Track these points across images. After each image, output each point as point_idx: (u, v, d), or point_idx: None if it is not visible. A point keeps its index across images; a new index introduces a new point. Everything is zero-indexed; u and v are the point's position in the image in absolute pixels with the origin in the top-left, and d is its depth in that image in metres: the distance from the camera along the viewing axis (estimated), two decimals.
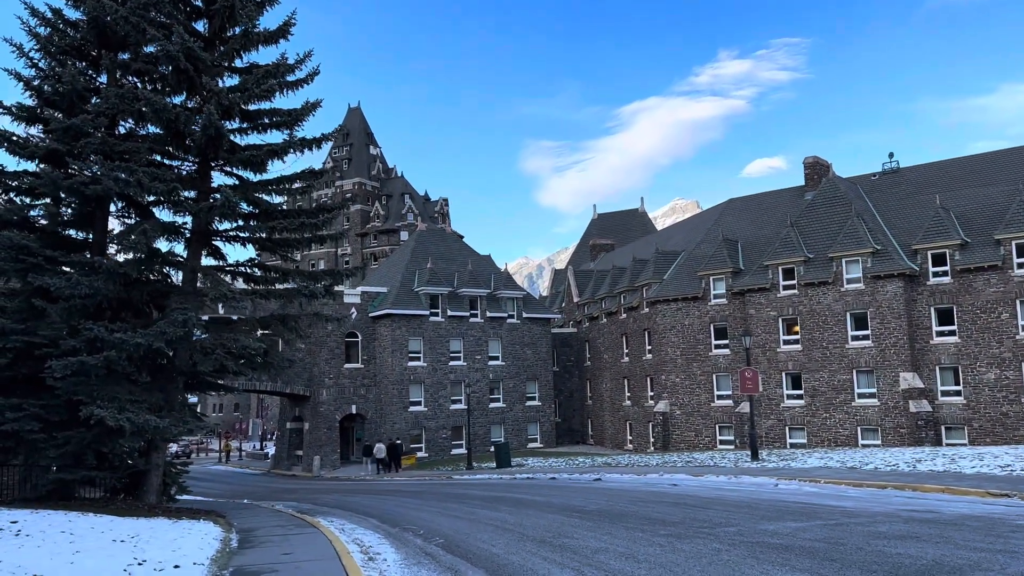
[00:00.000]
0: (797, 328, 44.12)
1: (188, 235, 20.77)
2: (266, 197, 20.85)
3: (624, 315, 55.31)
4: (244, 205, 20.93)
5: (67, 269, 19.16)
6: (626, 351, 55.05)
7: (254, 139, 21.07)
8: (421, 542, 13.51)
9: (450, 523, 16.03)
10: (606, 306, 58.17)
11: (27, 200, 20.42)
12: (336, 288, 22.00)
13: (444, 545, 12.90)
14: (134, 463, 19.07)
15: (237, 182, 20.64)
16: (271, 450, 67.65)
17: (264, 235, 20.47)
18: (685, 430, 48.85)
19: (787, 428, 44.14)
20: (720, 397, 47.83)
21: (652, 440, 50.68)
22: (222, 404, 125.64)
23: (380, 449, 45.12)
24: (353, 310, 52.91)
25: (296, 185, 20.31)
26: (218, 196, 18.44)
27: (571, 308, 65.84)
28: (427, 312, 53.36)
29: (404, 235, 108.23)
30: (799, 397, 43.84)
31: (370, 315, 53.23)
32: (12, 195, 20.25)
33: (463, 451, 52.55)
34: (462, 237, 70.12)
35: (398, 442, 46.94)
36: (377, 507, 21.49)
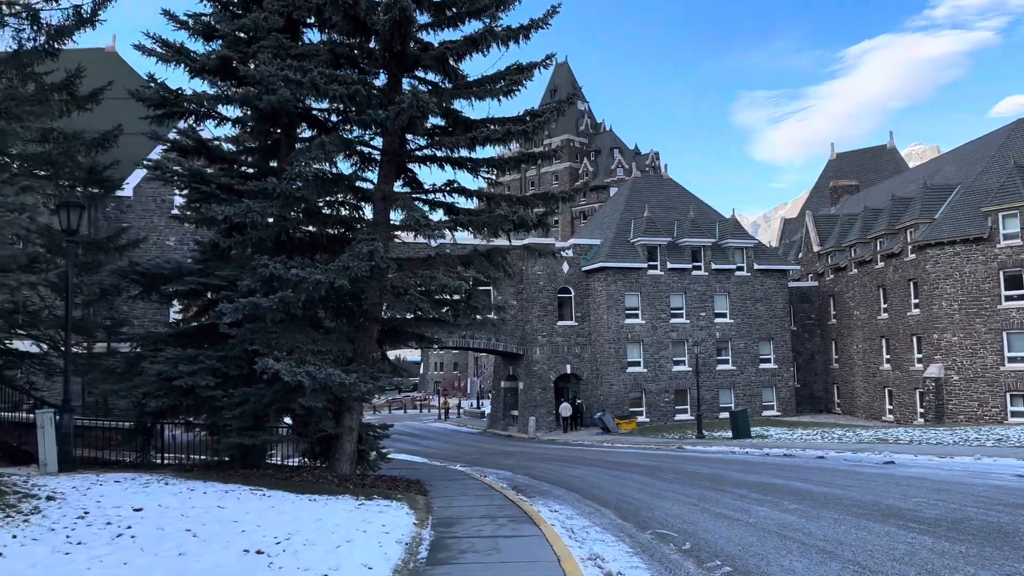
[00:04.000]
0: None
1: (378, 158, 17.43)
2: (464, 108, 16.99)
3: (881, 263, 46.88)
4: (439, 119, 17.19)
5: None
6: (884, 306, 46.70)
7: (448, 36, 17.09)
8: (694, 568, 8.92)
9: (722, 528, 11.30)
10: (856, 254, 49.82)
11: (205, 125, 18.02)
12: (549, 218, 17.76)
13: None
14: (323, 426, 16.16)
15: (429, 89, 16.92)
16: (487, 408, 66.47)
17: (464, 151, 16.62)
18: (964, 399, 40.24)
19: None
20: (1012, 360, 38.79)
21: (921, 411, 42.49)
22: (442, 363, 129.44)
23: (565, 408, 46.31)
24: (565, 263, 49.13)
25: (500, 84, 16.17)
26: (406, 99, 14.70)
27: (810, 259, 57.76)
28: (644, 265, 48.33)
29: (613, 191, 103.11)
30: None
31: (583, 269, 49.15)
32: (191, 120, 17.90)
33: (687, 417, 47.58)
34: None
35: (579, 402, 47.65)
36: (608, 488, 17.19)
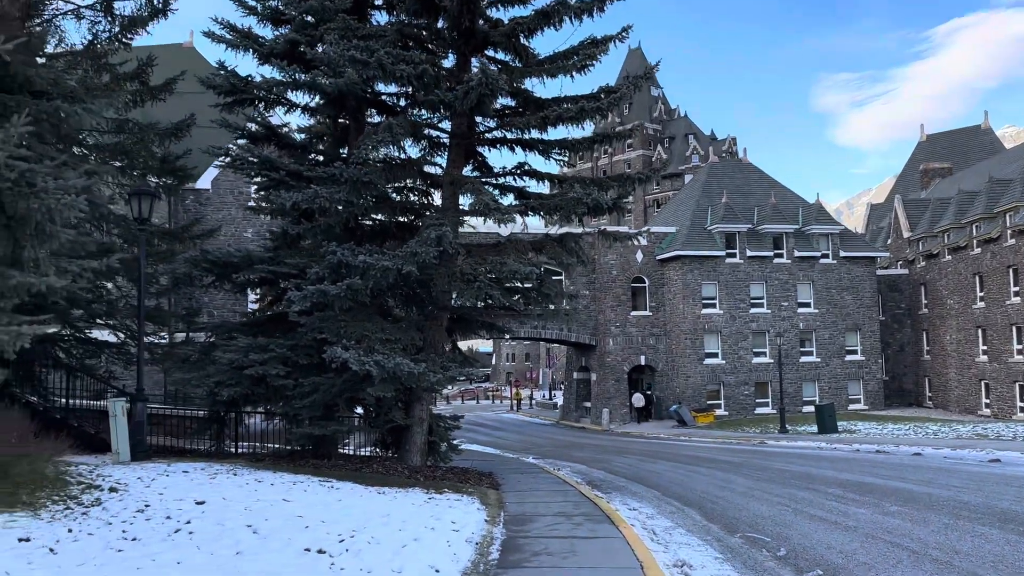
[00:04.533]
0: None
1: (447, 142, 16.94)
2: (535, 87, 16.29)
3: (977, 249, 44.15)
4: (509, 100, 16.56)
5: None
6: (980, 294, 43.99)
7: (517, 12, 16.36)
8: None
9: (820, 532, 10.35)
10: (950, 240, 47.07)
11: (275, 112, 17.82)
12: (624, 203, 16.93)
13: None
14: (393, 417, 15.78)
15: (499, 68, 16.27)
16: (559, 400, 65.83)
17: (535, 131, 15.91)
18: None
19: None
20: None
21: (1021, 405, 39.89)
22: (514, 354, 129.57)
23: (638, 398, 46.35)
24: (639, 252, 47.95)
25: (573, 60, 15.40)
26: (475, 76, 14.08)
27: (899, 245, 54.96)
28: (722, 253, 46.70)
29: (688, 178, 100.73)
30: None
31: (657, 258, 47.86)
32: (261, 107, 17.73)
33: (768, 410, 45.88)
34: None
35: (649, 393, 47.47)
36: (689, 485, 16.32)
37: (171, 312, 20.29)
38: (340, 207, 15.50)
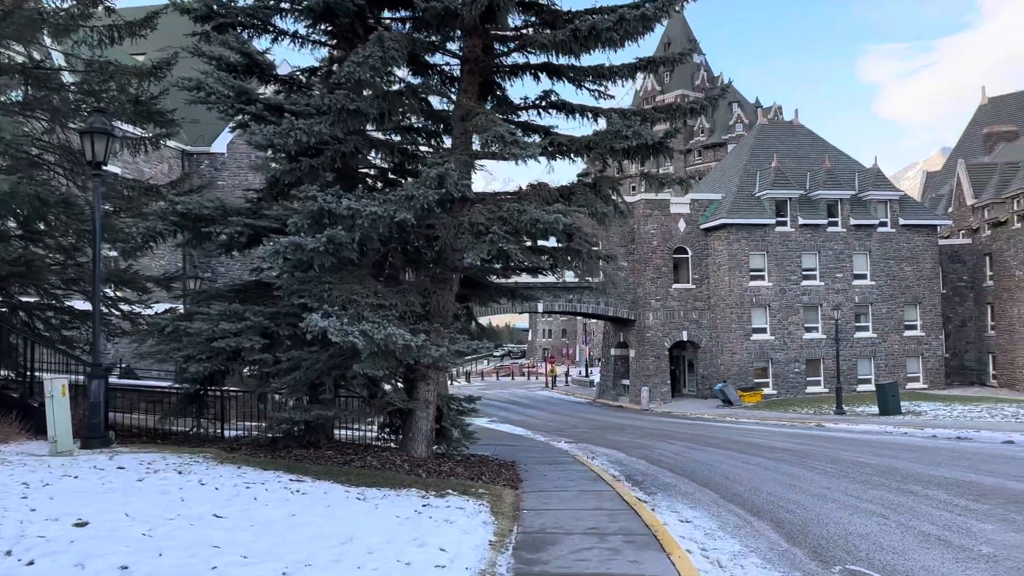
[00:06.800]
0: None
1: (458, 73, 14.16)
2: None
3: None
4: (531, 16, 13.71)
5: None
6: None
7: None
8: None
9: (952, 567, 7.53)
10: (1020, 206, 43.07)
11: (261, 41, 15.16)
12: (671, 142, 14.01)
13: None
14: (391, 399, 13.19)
15: None
16: (596, 377, 63.19)
17: (564, 56, 13.03)
18: None
19: None
20: None
21: None
22: (551, 330, 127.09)
23: None
24: (681, 221, 44.82)
25: None
26: None
27: (962, 213, 50.86)
28: (772, 221, 43.36)
29: (732, 147, 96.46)
30: None
31: (701, 227, 44.72)
32: (244, 35, 15.07)
33: (820, 389, 42.80)
34: None
35: (673, 369, 46.30)
36: (751, 483, 13.49)
37: (148, 276, 17.89)
38: (319, 142, 12.76)
